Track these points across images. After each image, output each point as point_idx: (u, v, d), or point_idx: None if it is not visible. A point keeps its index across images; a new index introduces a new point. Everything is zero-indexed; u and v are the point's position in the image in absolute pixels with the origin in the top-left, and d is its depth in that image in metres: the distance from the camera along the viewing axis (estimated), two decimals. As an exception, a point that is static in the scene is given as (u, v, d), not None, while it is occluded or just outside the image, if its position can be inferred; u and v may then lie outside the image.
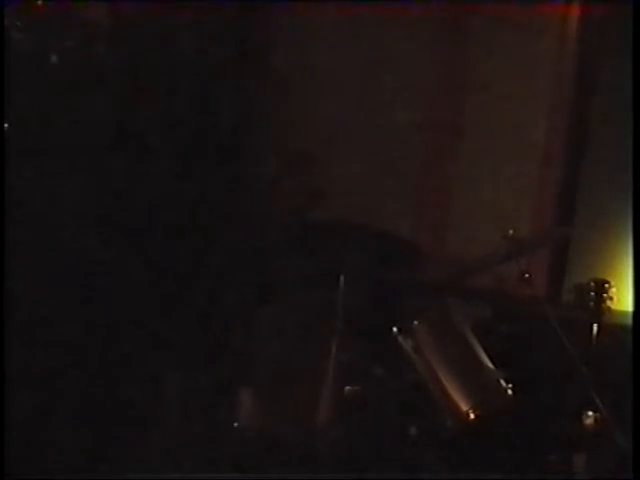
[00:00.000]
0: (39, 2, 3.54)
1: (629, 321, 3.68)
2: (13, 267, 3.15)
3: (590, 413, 3.38)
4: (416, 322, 3.41)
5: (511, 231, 3.44)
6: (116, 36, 3.95)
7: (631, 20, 3.39)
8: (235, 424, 3.36)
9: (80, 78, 3.76)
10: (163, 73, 4.11)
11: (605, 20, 4.33)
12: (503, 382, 3.39)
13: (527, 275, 3.37)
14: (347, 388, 3.37)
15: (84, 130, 3.74)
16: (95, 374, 3.56)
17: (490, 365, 3.42)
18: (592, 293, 3.47)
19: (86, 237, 3.71)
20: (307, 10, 4.47)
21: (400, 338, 3.40)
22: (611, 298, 3.47)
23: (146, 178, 3.96)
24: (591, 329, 3.46)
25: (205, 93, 4.33)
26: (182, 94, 4.22)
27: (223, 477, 3.20)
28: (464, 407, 3.31)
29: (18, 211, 3.41)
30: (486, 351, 3.44)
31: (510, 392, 3.39)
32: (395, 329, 3.41)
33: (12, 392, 3.03)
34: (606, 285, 3.47)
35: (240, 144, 4.52)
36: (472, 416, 3.30)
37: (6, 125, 3.48)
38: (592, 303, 3.47)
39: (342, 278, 3.43)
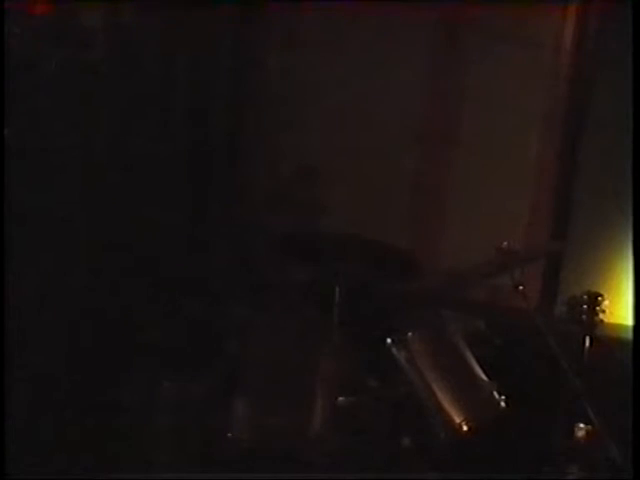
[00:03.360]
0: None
1: (622, 334, 3.70)
2: (13, 269, 3.16)
3: (582, 425, 3.39)
4: (410, 333, 3.41)
5: (505, 243, 3.45)
6: (112, 43, 3.96)
7: (630, 23, 3.41)
8: (229, 434, 3.35)
9: (77, 85, 3.77)
10: (161, 83, 4.12)
11: (602, 32, 4.35)
12: (496, 394, 3.40)
13: (521, 287, 3.38)
14: (340, 399, 3.37)
15: (81, 137, 3.76)
16: (93, 379, 3.56)
17: (483, 377, 3.42)
18: (585, 306, 3.47)
19: (85, 244, 3.71)
20: (308, 23, 4.50)
21: (394, 349, 3.40)
22: (604, 311, 3.47)
23: (144, 187, 3.96)
24: (584, 342, 3.46)
25: (205, 102, 4.34)
26: (181, 103, 4.23)
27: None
28: (457, 419, 3.31)
29: (16, 216, 3.42)
30: (479, 363, 3.45)
31: (503, 404, 3.40)
32: (389, 340, 3.41)
33: (12, 393, 3.03)
34: (599, 298, 3.47)
35: (239, 156, 4.53)
36: (465, 428, 3.30)
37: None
38: (585, 316, 3.47)
39: (337, 289, 3.43)
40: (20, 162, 3.42)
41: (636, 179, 3.15)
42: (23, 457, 3.12)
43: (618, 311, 3.79)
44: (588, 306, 3.47)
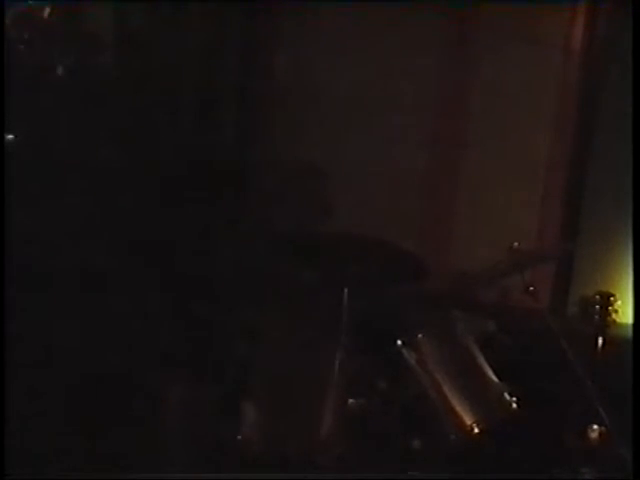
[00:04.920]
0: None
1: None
2: (15, 273, 3.17)
3: (595, 427, 3.37)
4: (420, 335, 3.40)
5: (516, 244, 3.43)
6: (120, 48, 3.97)
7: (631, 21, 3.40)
8: (239, 437, 3.35)
9: (85, 90, 3.78)
10: (167, 85, 4.12)
11: (611, 33, 4.33)
12: (507, 396, 3.37)
13: (531, 288, 3.36)
14: (351, 401, 3.35)
15: (89, 143, 3.76)
16: (98, 382, 3.57)
17: (494, 378, 3.40)
18: (597, 306, 3.46)
19: (91, 249, 3.72)
20: (312, 23, 4.49)
21: (404, 351, 3.39)
22: (616, 311, 3.46)
23: (151, 188, 3.96)
24: (596, 342, 3.44)
25: (210, 104, 4.34)
26: (187, 105, 4.23)
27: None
28: (468, 421, 3.29)
29: (22, 225, 3.42)
30: (490, 364, 3.43)
31: (514, 406, 3.37)
32: (399, 342, 3.40)
33: (13, 393, 3.04)
34: (611, 298, 3.47)
35: (246, 156, 4.53)
36: (476, 430, 3.28)
37: (11, 136, 3.51)
38: (597, 316, 3.46)
39: (346, 291, 3.42)
40: (24, 168, 3.43)
41: (636, 181, 3.14)
42: (23, 457, 3.13)
43: (630, 311, 3.76)
44: (600, 306, 3.46)
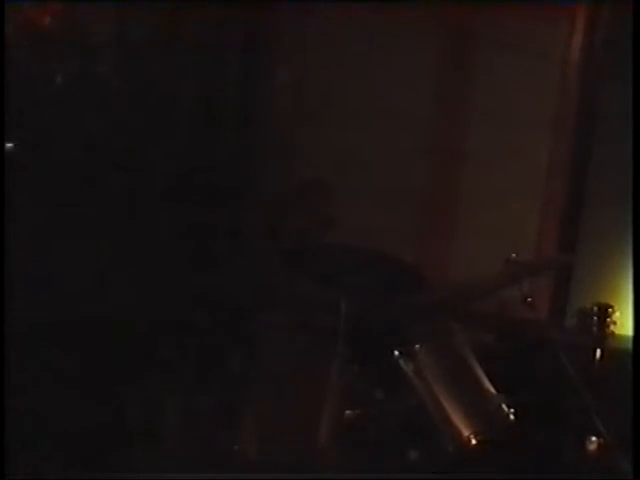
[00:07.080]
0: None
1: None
2: (13, 277, 3.17)
3: (593, 438, 3.36)
4: (418, 346, 3.39)
5: (514, 255, 3.43)
6: (120, 57, 3.98)
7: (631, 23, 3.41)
8: (235, 447, 3.34)
9: (84, 98, 3.79)
10: (167, 95, 4.13)
11: (608, 44, 4.34)
12: (505, 407, 3.36)
13: (529, 299, 3.36)
14: (348, 412, 3.34)
15: (87, 149, 3.77)
16: (96, 381, 3.57)
17: (492, 390, 3.39)
18: (595, 318, 3.45)
19: (88, 256, 3.73)
20: (316, 37, 4.51)
21: (401, 362, 3.38)
22: (614, 323, 3.45)
23: (151, 198, 3.97)
24: (594, 354, 3.44)
25: (212, 114, 4.35)
26: (188, 116, 4.24)
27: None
28: (465, 432, 3.28)
29: (20, 229, 3.43)
30: (488, 375, 3.42)
31: (512, 417, 3.36)
32: (396, 353, 3.39)
33: (13, 394, 3.03)
34: (609, 310, 3.46)
35: (247, 167, 4.54)
36: (474, 441, 3.27)
37: (10, 145, 3.52)
38: (595, 328, 3.45)
39: (344, 301, 3.41)
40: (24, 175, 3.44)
41: (636, 192, 3.14)
42: (23, 457, 3.13)
43: (629, 323, 3.75)
44: (598, 318, 3.45)
